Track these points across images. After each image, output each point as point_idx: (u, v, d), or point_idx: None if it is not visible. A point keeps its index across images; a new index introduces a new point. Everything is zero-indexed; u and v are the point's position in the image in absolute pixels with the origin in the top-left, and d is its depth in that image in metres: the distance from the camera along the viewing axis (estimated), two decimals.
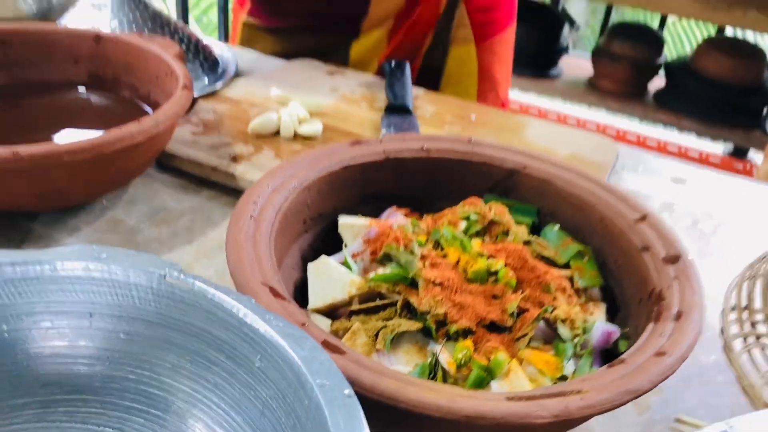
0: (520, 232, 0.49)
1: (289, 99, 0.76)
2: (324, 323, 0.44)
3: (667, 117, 2.31)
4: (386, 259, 0.46)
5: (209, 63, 0.80)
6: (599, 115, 2.49)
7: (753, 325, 0.45)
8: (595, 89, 2.44)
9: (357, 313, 0.44)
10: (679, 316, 0.40)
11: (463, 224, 0.49)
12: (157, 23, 0.77)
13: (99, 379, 0.37)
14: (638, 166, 0.76)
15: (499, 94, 1.04)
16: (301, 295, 0.47)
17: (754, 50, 2.25)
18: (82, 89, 0.70)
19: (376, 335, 0.42)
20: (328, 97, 0.79)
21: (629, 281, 0.47)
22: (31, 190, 0.54)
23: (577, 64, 2.56)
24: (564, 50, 2.49)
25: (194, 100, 0.75)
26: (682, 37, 3.51)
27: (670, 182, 0.74)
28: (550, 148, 0.73)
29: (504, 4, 1.00)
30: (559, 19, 2.46)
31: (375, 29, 0.96)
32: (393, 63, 0.83)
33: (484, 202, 0.52)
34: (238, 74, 0.84)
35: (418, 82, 0.98)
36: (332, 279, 0.45)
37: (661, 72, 2.42)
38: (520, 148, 0.55)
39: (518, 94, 2.52)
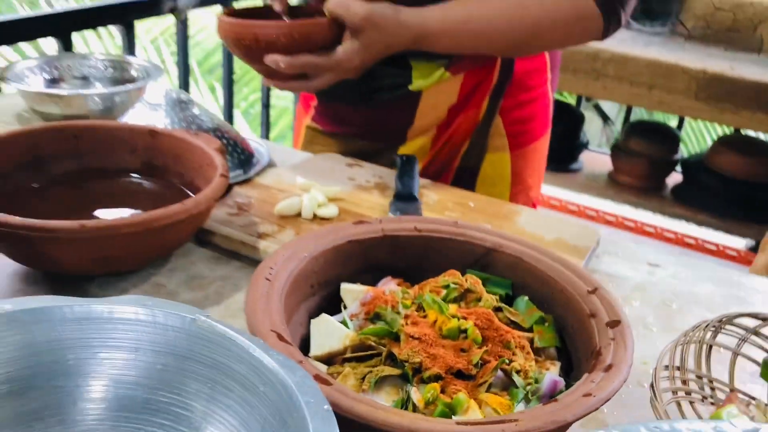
0: (491, 299, 0.58)
1: (312, 186, 0.87)
2: (321, 368, 0.53)
3: (684, 211, 2.39)
4: (377, 317, 0.56)
5: (246, 155, 0.93)
6: (619, 208, 2.57)
7: (684, 382, 0.53)
8: (615, 183, 2.54)
9: (349, 360, 0.53)
10: (609, 368, 0.48)
11: (444, 291, 0.59)
12: (203, 121, 0.90)
13: (139, 401, 0.46)
14: (618, 251, 0.85)
15: (530, 196, 1.12)
16: (305, 346, 0.56)
17: (767, 148, 2.34)
18: (136, 175, 0.83)
19: (363, 378, 0.51)
20: (346, 185, 0.90)
21: (580, 342, 0.55)
22: (92, 257, 0.65)
23: (597, 159, 2.67)
24: (584, 146, 2.61)
25: (230, 186, 0.87)
26: (704, 133, 3.61)
27: (646, 265, 0.83)
28: (537, 234, 0.82)
29: (539, 116, 1.10)
30: (580, 116, 2.59)
31: (419, 137, 1.06)
32: (404, 157, 0.94)
33: (461, 274, 0.61)
34: (270, 165, 0.96)
35: (454, 182, 1.06)
36: (330, 333, 0.54)
37: (679, 168, 2.51)
38: (497, 230, 0.65)
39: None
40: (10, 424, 0.44)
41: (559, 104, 2.63)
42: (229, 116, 1.86)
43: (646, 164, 2.45)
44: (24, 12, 3.13)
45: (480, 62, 1.02)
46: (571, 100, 2.81)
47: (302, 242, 0.60)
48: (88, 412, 0.46)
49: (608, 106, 3.80)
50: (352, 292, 0.60)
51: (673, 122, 2.91)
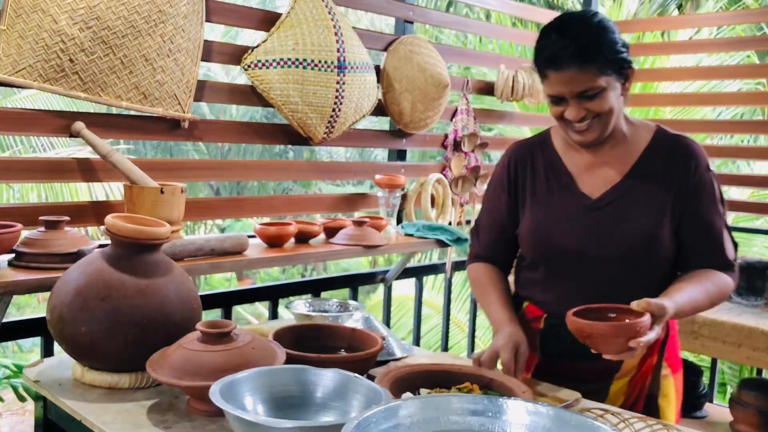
0: (476, 389, 1.26)
1: None
2: None
3: None
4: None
5: (399, 348, 1.70)
6: None
7: None
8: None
9: None
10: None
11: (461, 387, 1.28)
12: (376, 326, 1.70)
13: (319, 403, 1.20)
14: None
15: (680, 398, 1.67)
16: None
17: None
18: (343, 350, 1.62)
19: None
20: None
21: None
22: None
23: (722, 411, 3.01)
24: (705, 396, 2.99)
25: (389, 360, 1.63)
26: None
27: None
28: None
29: (677, 356, 1.65)
30: (700, 371, 3.01)
31: (621, 379, 1.57)
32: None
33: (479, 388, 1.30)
34: (410, 356, 1.71)
35: (645, 403, 1.57)
36: (407, 397, 1.26)
37: None
38: (496, 371, 1.34)
39: None
40: (284, 408, 1.20)
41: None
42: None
43: (758, 415, 2.76)
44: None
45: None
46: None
47: (413, 366, 1.34)
48: (310, 403, 1.20)
49: None
50: (425, 391, 1.31)
51: None
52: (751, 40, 4.47)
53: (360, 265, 9.76)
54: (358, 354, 1.43)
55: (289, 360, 1.38)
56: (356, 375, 1.21)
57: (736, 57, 6.47)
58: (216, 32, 8.78)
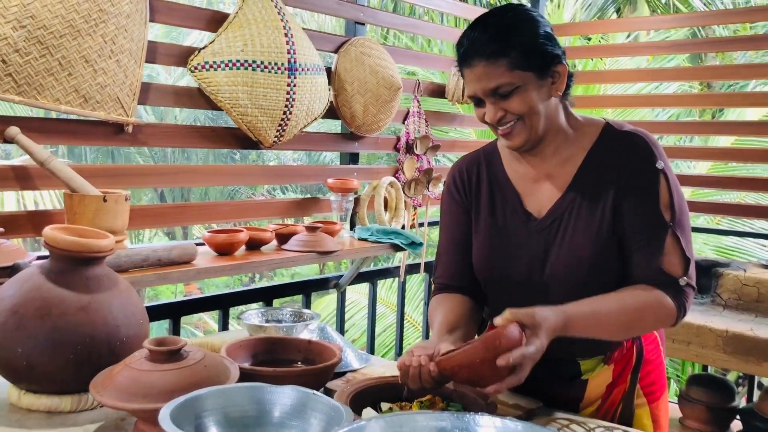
0: (438, 401, 1.22)
1: None
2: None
3: None
4: (390, 409, 1.22)
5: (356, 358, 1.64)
6: None
7: None
8: (684, 428, 2.89)
9: None
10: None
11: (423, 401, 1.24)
12: (333, 337, 1.64)
13: (277, 421, 1.14)
14: None
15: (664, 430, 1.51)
16: None
17: None
18: (299, 363, 1.56)
19: None
20: None
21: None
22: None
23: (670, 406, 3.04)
24: None
25: (346, 372, 1.57)
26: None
27: None
28: None
29: (660, 378, 1.49)
30: None
31: (588, 408, 1.44)
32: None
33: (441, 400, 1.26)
34: (369, 365, 1.66)
35: None
36: (367, 412, 1.21)
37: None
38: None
39: None
40: (240, 428, 1.13)
41: None
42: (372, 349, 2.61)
43: (707, 411, 2.81)
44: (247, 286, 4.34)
45: (625, 353, 1.44)
46: None
47: (373, 380, 1.29)
48: (267, 423, 1.14)
49: None
50: (384, 406, 1.26)
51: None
52: (692, 43, 4.58)
53: (309, 270, 9.66)
54: (314, 367, 1.38)
55: (243, 376, 1.31)
56: (315, 392, 1.15)
57: (667, 60, 6.64)
58: (155, 31, 8.55)
